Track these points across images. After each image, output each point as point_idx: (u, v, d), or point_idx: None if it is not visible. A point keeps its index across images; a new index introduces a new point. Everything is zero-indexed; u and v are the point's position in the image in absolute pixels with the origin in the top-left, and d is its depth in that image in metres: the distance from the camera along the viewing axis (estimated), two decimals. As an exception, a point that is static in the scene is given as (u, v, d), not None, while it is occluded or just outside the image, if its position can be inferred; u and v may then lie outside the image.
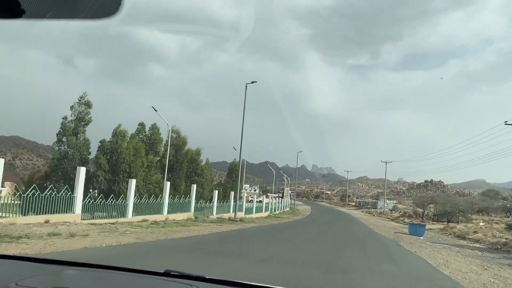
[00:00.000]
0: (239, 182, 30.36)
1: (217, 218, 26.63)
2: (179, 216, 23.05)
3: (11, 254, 2.78)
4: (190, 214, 24.22)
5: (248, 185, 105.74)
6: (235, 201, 31.65)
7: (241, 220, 25.93)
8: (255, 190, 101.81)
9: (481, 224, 45.99)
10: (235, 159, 71.22)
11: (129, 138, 32.74)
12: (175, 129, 41.54)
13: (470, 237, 28.16)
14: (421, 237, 27.68)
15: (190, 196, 29.98)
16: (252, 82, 27.61)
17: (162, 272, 1.95)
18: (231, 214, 29.89)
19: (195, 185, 31.66)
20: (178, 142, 40.63)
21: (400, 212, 73.26)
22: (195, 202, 29.44)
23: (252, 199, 53.60)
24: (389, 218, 60.95)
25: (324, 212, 64.15)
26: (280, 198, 67.79)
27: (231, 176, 72.80)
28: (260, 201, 50.00)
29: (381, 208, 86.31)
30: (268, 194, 75.03)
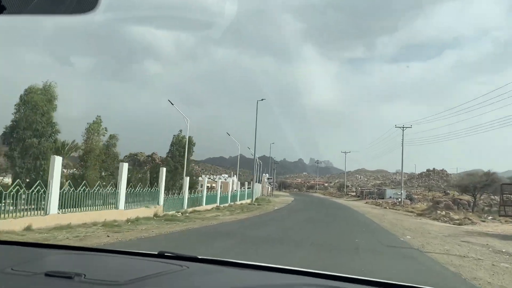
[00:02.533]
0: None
1: None
2: None
3: (6, 240, 2.41)
4: None
5: (226, 175, 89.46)
6: None
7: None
8: (225, 179, 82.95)
9: None
10: (181, 131, 49.44)
11: None
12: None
13: None
14: None
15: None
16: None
17: (156, 253, 1.94)
18: None
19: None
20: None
21: (422, 201, 50.74)
22: None
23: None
24: (411, 211, 38.41)
25: (309, 205, 41.40)
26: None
27: (174, 155, 48.96)
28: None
29: (391, 197, 63.75)
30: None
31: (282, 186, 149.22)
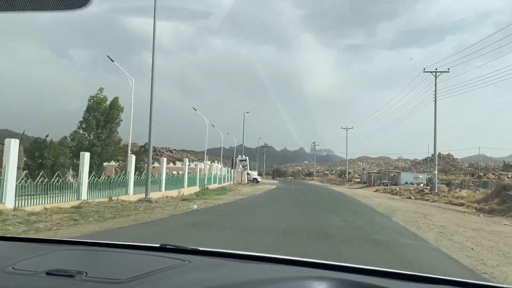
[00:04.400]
0: None
1: None
2: None
3: (7, 236, 2.47)
4: None
5: (209, 162, 77.23)
6: None
7: None
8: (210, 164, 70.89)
9: None
10: (101, 89, 33.47)
11: None
12: None
13: None
14: None
15: None
16: None
17: (158, 246, 1.94)
18: None
19: None
20: None
21: (457, 188, 34.85)
22: None
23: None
24: (460, 204, 22.69)
25: (286, 198, 25.46)
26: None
27: (89, 125, 32.51)
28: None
29: (408, 183, 47.98)
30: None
31: (277, 173, 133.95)
